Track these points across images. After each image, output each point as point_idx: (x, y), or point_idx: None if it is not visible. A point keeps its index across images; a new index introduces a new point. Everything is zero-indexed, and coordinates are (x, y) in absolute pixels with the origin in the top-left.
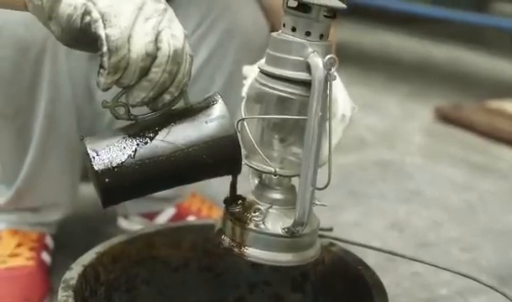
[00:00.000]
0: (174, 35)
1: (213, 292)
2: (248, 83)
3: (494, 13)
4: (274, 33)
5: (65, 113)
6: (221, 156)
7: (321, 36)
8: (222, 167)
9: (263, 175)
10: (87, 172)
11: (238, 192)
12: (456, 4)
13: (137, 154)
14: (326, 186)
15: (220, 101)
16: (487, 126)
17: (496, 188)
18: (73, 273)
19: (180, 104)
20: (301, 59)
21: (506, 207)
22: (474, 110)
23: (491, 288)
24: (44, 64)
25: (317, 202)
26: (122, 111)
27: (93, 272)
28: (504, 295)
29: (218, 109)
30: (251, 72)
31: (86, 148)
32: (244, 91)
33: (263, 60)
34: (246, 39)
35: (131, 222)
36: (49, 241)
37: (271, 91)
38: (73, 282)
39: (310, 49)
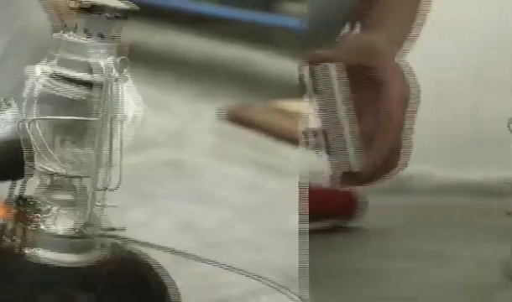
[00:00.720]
0: None
1: (6, 292)
2: (29, 84)
3: (282, 12)
4: (63, 34)
5: None
6: (7, 160)
7: (112, 37)
8: (8, 170)
9: (55, 176)
10: None
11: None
12: (243, 4)
13: None
14: (117, 187)
15: (13, 104)
16: (274, 126)
17: (283, 187)
18: None
19: None
20: (92, 60)
21: (293, 207)
22: (262, 110)
23: (278, 287)
24: None
25: (108, 203)
26: None
27: None
28: (296, 296)
29: (9, 113)
30: (33, 72)
31: None
32: (25, 92)
33: (54, 61)
34: (40, 41)
35: None
36: None
37: (62, 92)
38: None
39: (101, 51)
